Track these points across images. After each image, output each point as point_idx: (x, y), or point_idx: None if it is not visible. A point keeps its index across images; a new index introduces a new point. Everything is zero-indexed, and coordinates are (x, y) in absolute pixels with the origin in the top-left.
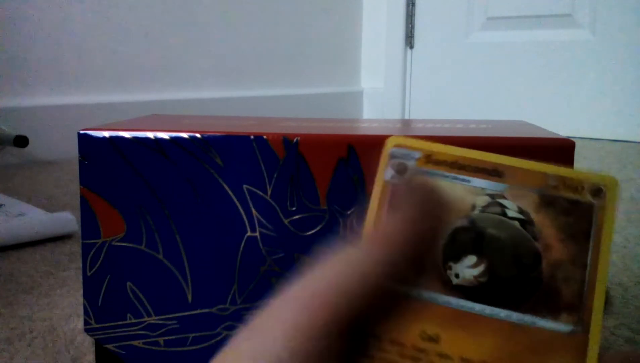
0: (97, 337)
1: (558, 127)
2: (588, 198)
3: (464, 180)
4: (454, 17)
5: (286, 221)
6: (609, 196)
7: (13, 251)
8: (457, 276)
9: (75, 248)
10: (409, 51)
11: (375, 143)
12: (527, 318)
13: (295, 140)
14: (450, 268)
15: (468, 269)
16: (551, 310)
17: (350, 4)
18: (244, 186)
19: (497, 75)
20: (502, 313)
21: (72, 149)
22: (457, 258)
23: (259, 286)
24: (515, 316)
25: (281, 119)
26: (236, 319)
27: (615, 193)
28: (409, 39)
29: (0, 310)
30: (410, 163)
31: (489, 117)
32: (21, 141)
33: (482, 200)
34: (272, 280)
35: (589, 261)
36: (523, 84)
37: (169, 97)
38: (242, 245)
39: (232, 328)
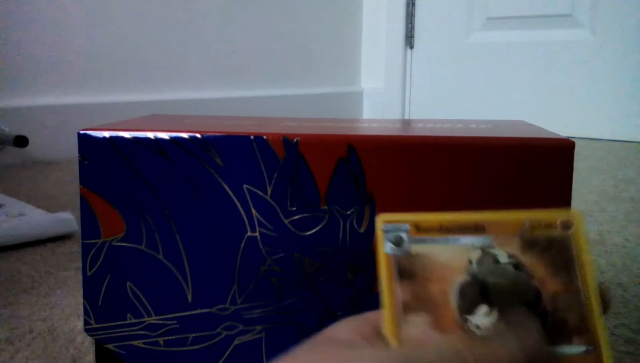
0: (97, 337)
1: (558, 127)
2: (561, 232)
3: (454, 240)
4: (454, 17)
5: (286, 221)
6: (578, 226)
7: (13, 251)
8: (478, 327)
9: (75, 248)
10: (409, 50)
11: (375, 143)
12: (546, 351)
13: (295, 140)
14: (468, 321)
15: (484, 318)
16: (564, 336)
17: (350, 4)
18: (244, 186)
19: (497, 75)
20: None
21: (72, 149)
22: (471, 311)
23: (259, 286)
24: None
25: (281, 119)
26: (236, 319)
27: (583, 223)
28: (409, 39)
29: (0, 310)
30: (404, 235)
31: (489, 117)
32: (21, 141)
33: (476, 254)
34: (272, 280)
35: (580, 286)
36: (523, 84)
37: (169, 97)
38: (242, 245)
39: (232, 328)
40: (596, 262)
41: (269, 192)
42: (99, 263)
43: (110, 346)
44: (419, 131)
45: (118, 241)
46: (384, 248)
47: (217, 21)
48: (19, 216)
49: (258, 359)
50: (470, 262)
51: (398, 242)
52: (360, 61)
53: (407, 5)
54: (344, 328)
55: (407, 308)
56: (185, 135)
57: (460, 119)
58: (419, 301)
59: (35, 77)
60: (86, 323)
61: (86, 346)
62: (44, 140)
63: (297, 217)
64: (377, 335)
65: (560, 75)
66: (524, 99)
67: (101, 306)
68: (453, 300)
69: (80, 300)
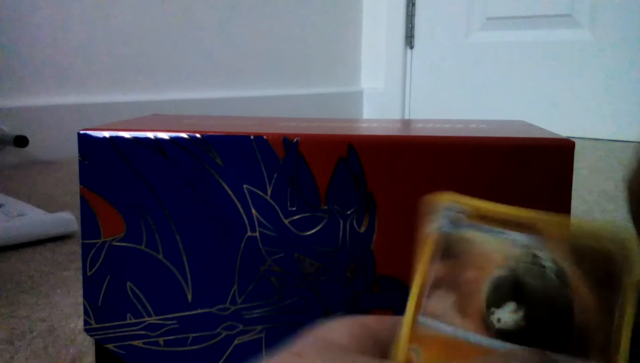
0: (97, 337)
1: (558, 127)
2: (609, 247)
3: (504, 234)
4: (454, 17)
5: (286, 221)
6: (629, 246)
7: (13, 251)
8: (499, 320)
9: (75, 248)
10: (409, 50)
11: (375, 143)
12: (562, 360)
13: (295, 140)
14: (493, 313)
15: (509, 314)
16: (583, 353)
17: (350, 4)
18: (244, 186)
19: (497, 75)
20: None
21: (72, 149)
22: (499, 305)
23: (259, 286)
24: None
25: (281, 119)
26: (236, 319)
27: (633, 244)
28: (409, 39)
29: (0, 310)
30: (462, 216)
31: (489, 117)
32: (21, 141)
33: (521, 252)
34: (272, 279)
35: (616, 308)
36: (523, 84)
37: (169, 97)
38: (242, 245)
39: (232, 328)
40: None
41: (269, 192)
42: (99, 263)
43: (110, 346)
44: (419, 131)
45: (118, 241)
46: (439, 224)
47: (217, 21)
48: (19, 216)
49: (258, 359)
50: (513, 258)
51: (455, 222)
52: (360, 61)
53: (407, 5)
54: (341, 331)
55: (439, 283)
56: (185, 135)
57: (460, 119)
58: (452, 280)
59: (35, 77)
60: (86, 323)
61: (86, 346)
62: (44, 140)
63: (297, 217)
64: (375, 344)
65: (560, 75)
66: (524, 99)
67: (101, 306)
68: (484, 289)
69: (80, 300)
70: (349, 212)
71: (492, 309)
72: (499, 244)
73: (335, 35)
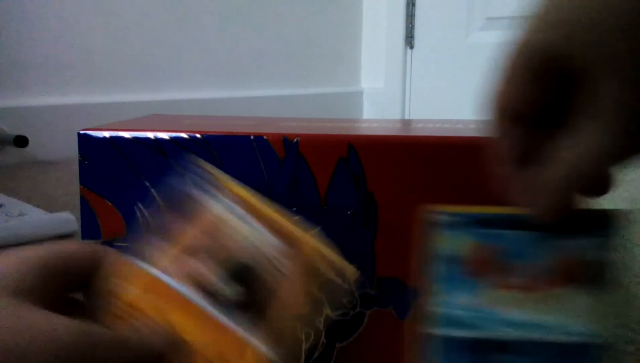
0: None
1: None
2: (333, 276)
3: (255, 225)
4: (454, 17)
5: None
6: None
7: None
8: (213, 286)
9: None
10: (409, 51)
11: (375, 143)
12: (241, 330)
13: (295, 140)
14: (215, 280)
15: (222, 285)
16: (247, 326)
17: (350, 4)
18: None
19: None
20: (223, 318)
21: (72, 149)
22: (216, 274)
23: None
24: (233, 325)
25: (281, 119)
26: None
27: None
28: (409, 39)
29: None
30: (223, 191)
31: None
32: (21, 141)
33: (254, 246)
34: None
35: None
36: None
37: (169, 97)
38: None
39: None
40: None
41: (269, 192)
42: None
43: None
44: (418, 131)
45: (118, 242)
46: (181, 180)
47: (217, 21)
48: (19, 216)
49: None
50: (253, 247)
51: (203, 187)
52: (360, 61)
53: (407, 5)
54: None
55: (165, 233)
56: (185, 135)
57: (460, 119)
58: (175, 232)
59: (35, 77)
60: None
61: None
62: (44, 140)
63: (297, 217)
64: (71, 269)
65: None
66: None
67: None
68: (222, 259)
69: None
70: (349, 212)
71: (210, 274)
72: (245, 231)
73: (335, 35)
